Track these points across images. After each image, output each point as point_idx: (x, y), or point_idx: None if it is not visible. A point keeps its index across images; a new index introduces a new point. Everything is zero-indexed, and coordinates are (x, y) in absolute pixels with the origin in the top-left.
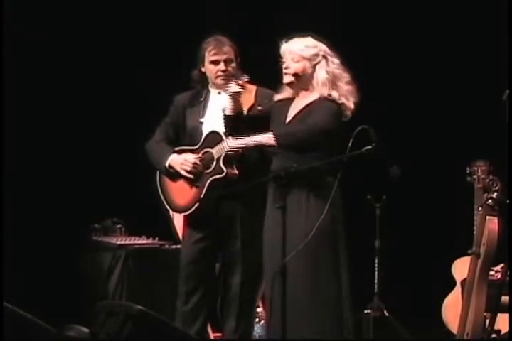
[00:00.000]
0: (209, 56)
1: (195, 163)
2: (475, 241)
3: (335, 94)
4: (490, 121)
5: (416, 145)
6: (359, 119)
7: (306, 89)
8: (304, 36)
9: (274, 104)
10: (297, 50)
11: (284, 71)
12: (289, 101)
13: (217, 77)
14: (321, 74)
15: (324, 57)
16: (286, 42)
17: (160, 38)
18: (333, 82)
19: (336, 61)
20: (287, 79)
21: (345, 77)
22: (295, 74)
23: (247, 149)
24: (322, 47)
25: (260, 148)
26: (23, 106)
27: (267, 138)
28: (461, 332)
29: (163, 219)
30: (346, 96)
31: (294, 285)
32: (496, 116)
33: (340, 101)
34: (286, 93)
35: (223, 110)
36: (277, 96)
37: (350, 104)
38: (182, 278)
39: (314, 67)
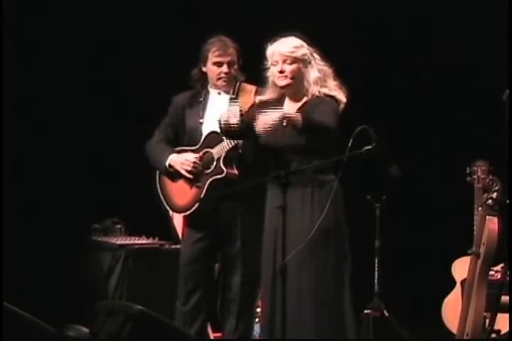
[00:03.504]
0: (212, 57)
1: (195, 163)
2: (475, 241)
3: (325, 91)
4: (490, 121)
5: (416, 145)
6: (359, 119)
7: (301, 89)
8: (288, 36)
9: (261, 106)
10: (288, 52)
11: (279, 75)
12: (276, 102)
13: (219, 79)
14: (313, 74)
15: (312, 55)
16: (271, 44)
17: (160, 38)
18: (324, 79)
19: (319, 57)
20: (284, 81)
21: (331, 72)
22: (292, 77)
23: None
24: (307, 46)
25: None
26: (23, 106)
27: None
28: (461, 332)
29: (163, 219)
30: (336, 90)
31: (297, 286)
32: (496, 116)
33: (332, 94)
34: (269, 95)
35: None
36: (260, 98)
37: (342, 97)
38: (181, 278)
39: (307, 67)
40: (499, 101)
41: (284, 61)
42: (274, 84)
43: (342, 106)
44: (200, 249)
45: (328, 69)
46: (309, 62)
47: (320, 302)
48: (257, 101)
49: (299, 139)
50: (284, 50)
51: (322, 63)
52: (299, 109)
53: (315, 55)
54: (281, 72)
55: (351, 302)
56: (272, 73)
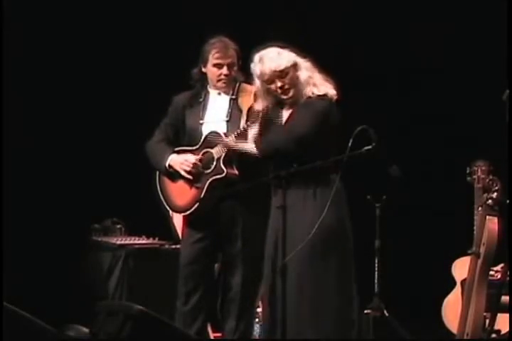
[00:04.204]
0: (213, 59)
1: (194, 163)
2: (475, 241)
3: (315, 91)
4: (490, 121)
5: (416, 145)
6: (359, 119)
7: (299, 93)
8: (265, 49)
9: (264, 112)
10: (277, 66)
11: (280, 91)
12: (275, 107)
13: (219, 80)
14: (303, 74)
15: (296, 57)
16: (259, 63)
17: (160, 38)
18: (313, 76)
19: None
20: (289, 94)
21: (313, 66)
22: (294, 86)
23: (233, 151)
24: (283, 50)
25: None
26: (24, 106)
27: (251, 147)
28: (461, 332)
29: (163, 219)
30: (324, 84)
31: (298, 286)
32: (496, 116)
33: (322, 93)
34: (265, 101)
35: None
36: (259, 107)
37: (332, 90)
38: (181, 278)
39: (297, 70)
40: (499, 101)
41: (279, 76)
42: (268, 95)
43: (335, 98)
44: (200, 249)
45: (310, 64)
46: (297, 65)
47: (320, 302)
48: (257, 109)
49: None
50: (272, 66)
51: (303, 60)
52: (291, 115)
53: (293, 53)
54: (282, 87)
55: (355, 303)
56: (273, 90)
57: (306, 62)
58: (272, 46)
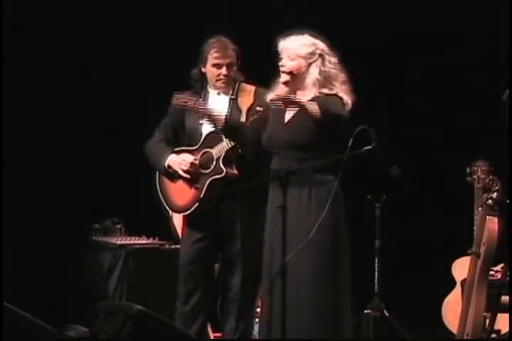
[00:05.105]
0: (212, 59)
1: (192, 163)
2: (475, 241)
3: (325, 91)
4: (490, 121)
5: (416, 145)
6: (359, 119)
7: (301, 88)
8: (301, 33)
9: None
10: (293, 48)
11: (280, 69)
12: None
13: (218, 80)
14: (313, 74)
15: (321, 55)
16: (283, 39)
17: (160, 38)
18: (328, 81)
19: (334, 60)
20: (283, 78)
21: (341, 77)
22: (290, 73)
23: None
24: (319, 46)
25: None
26: (23, 105)
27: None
28: (461, 332)
29: (163, 219)
30: (341, 91)
31: (296, 285)
32: (496, 116)
33: (331, 93)
34: (279, 90)
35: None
36: (270, 96)
37: (348, 100)
38: (181, 278)
39: (309, 65)
40: (499, 101)
41: (288, 57)
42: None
43: (346, 106)
44: (199, 249)
45: (336, 73)
46: (314, 62)
47: (317, 302)
48: (268, 98)
49: (298, 136)
50: (290, 46)
51: (332, 66)
52: (297, 113)
53: (328, 56)
54: (282, 66)
55: (350, 303)
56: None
57: (333, 70)
58: (315, 38)
